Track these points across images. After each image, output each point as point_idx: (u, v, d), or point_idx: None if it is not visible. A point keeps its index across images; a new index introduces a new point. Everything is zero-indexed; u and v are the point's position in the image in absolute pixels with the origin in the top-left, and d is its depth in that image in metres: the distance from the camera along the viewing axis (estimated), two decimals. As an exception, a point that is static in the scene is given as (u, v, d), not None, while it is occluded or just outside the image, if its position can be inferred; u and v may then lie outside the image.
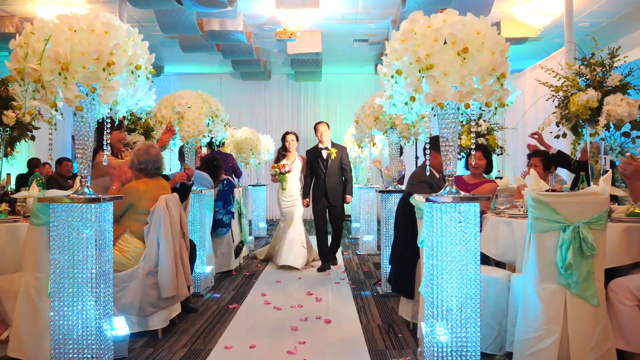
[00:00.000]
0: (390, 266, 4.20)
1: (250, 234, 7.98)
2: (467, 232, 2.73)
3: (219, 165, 5.76)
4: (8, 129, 3.78)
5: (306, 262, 6.29)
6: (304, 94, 12.56)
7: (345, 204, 6.36)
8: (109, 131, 2.80)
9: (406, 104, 2.64)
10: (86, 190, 2.83)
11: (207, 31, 7.94)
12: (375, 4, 7.49)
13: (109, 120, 2.83)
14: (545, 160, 4.54)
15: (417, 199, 3.00)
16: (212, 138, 4.95)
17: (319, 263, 6.30)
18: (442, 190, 2.78)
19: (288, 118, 12.53)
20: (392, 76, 2.64)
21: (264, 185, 8.97)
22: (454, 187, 2.77)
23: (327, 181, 6.18)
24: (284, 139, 6.52)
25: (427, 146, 2.88)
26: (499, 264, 3.81)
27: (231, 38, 8.18)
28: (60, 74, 2.58)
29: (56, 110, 2.69)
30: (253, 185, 8.71)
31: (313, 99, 12.57)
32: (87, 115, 2.76)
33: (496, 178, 6.73)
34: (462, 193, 2.77)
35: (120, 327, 3.29)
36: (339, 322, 4.00)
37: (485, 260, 3.66)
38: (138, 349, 3.47)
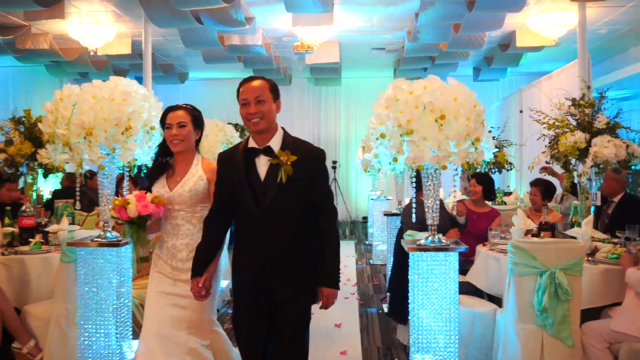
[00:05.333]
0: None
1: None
2: (446, 276, 3.04)
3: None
4: (42, 166, 4.23)
5: None
6: (324, 98, 12.83)
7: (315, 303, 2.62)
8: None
9: (390, 163, 2.94)
10: (108, 234, 3.25)
11: (227, 45, 8.29)
12: (390, 18, 7.71)
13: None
14: (544, 190, 4.69)
15: (405, 242, 3.30)
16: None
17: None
18: (425, 239, 3.09)
19: (309, 122, 12.83)
20: (377, 138, 2.94)
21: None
22: (436, 236, 3.08)
23: (264, 226, 2.44)
24: (163, 119, 2.85)
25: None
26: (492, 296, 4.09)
27: (251, 51, 8.53)
28: (85, 137, 2.97)
29: (82, 168, 3.09)
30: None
31: (333, 102, 12.83)
32: (107, 170, 3.16)
33: (505, 194, 6.97)
34: (444, 241, 3.08)
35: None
36: (341, 342, 4.35)
37: (478, 290, 3.96)
38: None
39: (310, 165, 2.45)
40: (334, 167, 12.39)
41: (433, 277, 3.05)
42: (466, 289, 3.85)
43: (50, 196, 7.80)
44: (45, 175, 4.47)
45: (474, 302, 3.75)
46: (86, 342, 3.23)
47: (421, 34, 7.61)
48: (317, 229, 2.48)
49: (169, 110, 2.84)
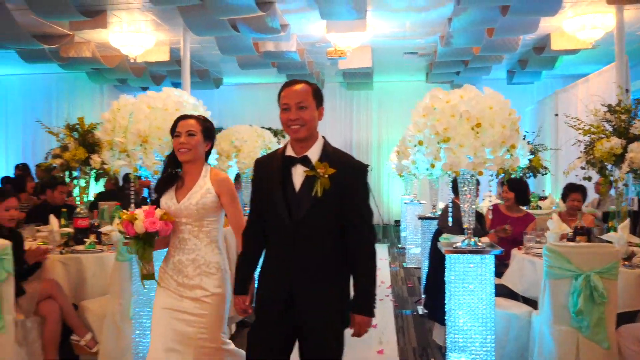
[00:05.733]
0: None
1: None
2: (482, 278, 3.19)
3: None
4: (94, 170, 4.52)
5: None
6: (356, 102, 12.98)
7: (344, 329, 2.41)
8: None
9: (427, 169, 3.11)
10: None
11: (262, 52, 8.55)
12: (422, 23, 7.84)
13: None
14: (585, 195, 4.72)
15: (441, 245, 3.46)
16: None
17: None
18: (461, 242, 3.24)
19: (341, 126, 13.00)
20: (415, 145, 3.11)
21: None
22: (472, 239, 3.23)
23: (295, 242, 2.32)
24: (174, 127, 2.78)
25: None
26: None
27: (285, 57, 8.77)
28: (141, 145, 3.22)
29: (137, 172, 3.34)
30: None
31: (365, 106, 12.97)
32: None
33: (540, 198, 7.02)
34: (480, 244, 3.22)
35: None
36: (378, 342, 4.52)
37: (513, 293, 4.09)
38: None
39: (349, 180, 2.28)
40: (366, 171, 12.56)
41: (469, 279, 3.20)
42: (501, 291, 3.97)
43: (93, 198, 8.16)
44: (97, 179, 4.77)
45: (509, 304, 3.87)
46: (139, 337, 3.48)
47: (454, 38, 7.72)
48: (351, 251, 2.29)
49: (180, 118, 2.76)
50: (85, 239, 4.20)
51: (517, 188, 4.77)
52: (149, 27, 8.08)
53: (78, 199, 4.55)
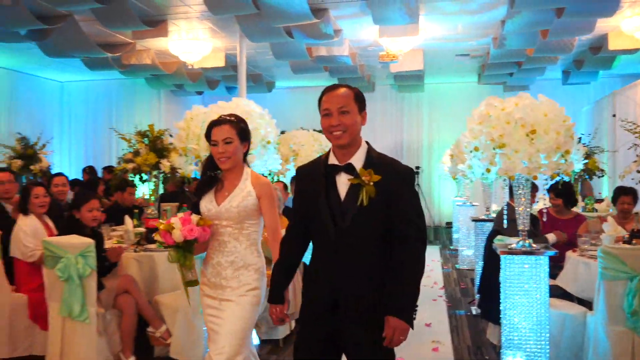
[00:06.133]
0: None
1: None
2: (536, 279, 3.34)
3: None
4: (163, 173, 4.90)
5: None
6: (407, 104, 13.10)
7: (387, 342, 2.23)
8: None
9: (483, 173, 3.29)
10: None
11: (315, 56, 8.84)
12: (475, 26, 7.93)
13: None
14: (636, 198, 4.78)
15: (496, 246, 3.62)
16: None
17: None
18: (516, 244, 3.40)
19: (391, 128, 13.15)
20: (471, 151, 3.29)
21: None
22: (527, 241, 3.38)
23: (340, 252, 2.27)
24: (208, 134, 2.81)
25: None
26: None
27: (337, 61, 9.04)
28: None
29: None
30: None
31: (416, 108, 13.07)
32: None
33: (597, 201, 7.01)
34: (534, 246, 3.38)
35: (254, 336, 4.25)
36: (432, 340, 4.69)
37: (568, 294, 4.20)
38: (265, 355, 4.42)
39: (395, 186, 2.21)
40: (416, 173, 12.68)
41: (524, 279, 3.36)
42: (556, 292, 4.09)
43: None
44: (164, 182, 5.16)
45: (564, 304, 3.99)
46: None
47: (507, 40, 7.79)
48: (396, 257, 2.19)
49: (213, 124, 2.74)
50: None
51: (562, 193, 4.86)
52: (206, 34, 8.50)
53: (148, 200, 4.92)
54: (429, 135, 13.03)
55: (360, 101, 2.29)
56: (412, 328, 2.17)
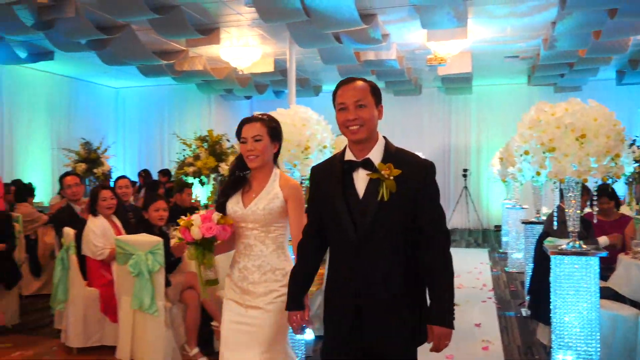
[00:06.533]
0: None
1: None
2: (587, 279, 3.46)
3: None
4: (222, 176, 5.22)
5: None
6: (454, 106, 13.16)
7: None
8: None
9: (533, 176, 3.44)
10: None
11: (363, 61, 9.06)
12: (524, 28, 7.99)
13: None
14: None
15: (547, 247, 3.75)
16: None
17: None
18: (566, 245, 3.54)
19: (439, 131, 13.24)
20: (521, 155, 3.45)
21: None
22: (577, 242, 3.51)
23: (361, 253, 2.20)
24: (239, 132, 2.77)
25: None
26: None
27: (385, 65, 9.24)
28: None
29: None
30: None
31: (464, 110, 13.12)
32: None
33: (650, 203, 6.97)
34: (584, 247, 3.50)
35: (308, 332, 4.50)
36: (482, 339, 4.84)
37: (619, 296, 4.28)
38: (319, 350, 4.65)
39: (416, 180, 2.14)
40: (464, 176, 12.72)
41: (574, 279, 3.48)
42: (607, 294, 4.18)
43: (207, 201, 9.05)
44: (222, 185, 5.49)
45: (615, 305, 4.08)
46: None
47: (558, 42, 7.81)
48: (424, 259, 2.17)
49: (244, 122, 2.71)
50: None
51: (614, 195, 4.96)
52: (256, 40, 8.85)
53: (207, 202, 5.24)
54: (477, 138, 13.05)
55: (376, 94, 2.24)
56: (454, 328, 2.16)
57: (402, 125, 13.24)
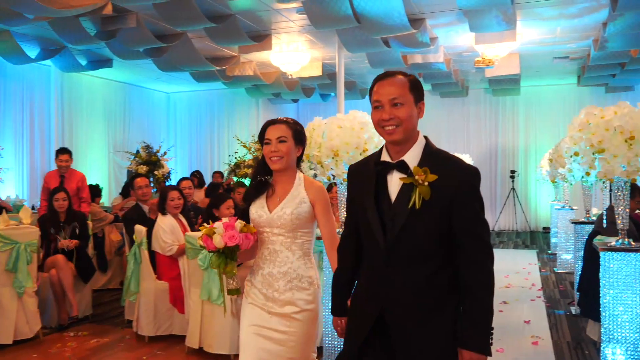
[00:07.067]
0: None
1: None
2: (636, 275, 3.66)
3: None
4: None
5: None
6: (501, 107, 13.24)
7: None
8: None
9: (582, 177, 3.67)
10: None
11: (410, 64, 9.32)
12: (574, 29, 8.10)
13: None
14: None
15: (596, 244, 3.96)
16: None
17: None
18: (615, 242, 3.74)
19: (486, 132, 13.35)
20: (571, 156, 3.68)
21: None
22: (626, 239, 3.72)
23: (390, 262, 2.04)
24: (262, 133, 2.70)
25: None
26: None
27: (432, 68, 9.48)
28: (332, 157, 4.13)
29: (329, 179, 4.27)
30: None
31: (511, 111, 13.19)
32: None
33: None
34: (634, 244, 3.70)
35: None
36: (532, 335, 5.04)
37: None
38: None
39: (454, 188, 1.95)
40: (512, 177, 12.80)
41: (622, 276, 3.69)
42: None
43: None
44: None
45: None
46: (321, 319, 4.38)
47: (609, 42, 7.89)
48: (461, 275, 1.98)
49: (268, 124, 2.65)
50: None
51: None
52: (305, 46, 9.23)
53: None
54: (525, 139, 13.10)
55: (416, 90, 2.05)
56: (490, 355, 1.94)
57: (448, 127, 13.40)
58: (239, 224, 2.53)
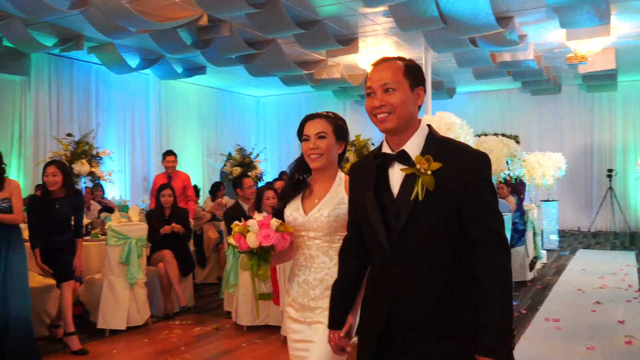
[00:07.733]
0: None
1: (542, 247, 9.14)
2: None
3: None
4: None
5: None
6: (597, 104, 12.81)
7: None
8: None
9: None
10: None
11: (499, 62, 9.35)
12: (676, 20, 7.84)
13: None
14: None
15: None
16: (510, 174, 6.39)
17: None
18: None
19: (580, 130, 12.96)
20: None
21: (556, 200, 10.07)
22: None
23: (395, 262, 1.89)
24: (301, 129, 2.51)
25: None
26: None
27: (522, 65, 9.44)
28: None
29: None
30: (544, 201, 9.94)
31: (608, 108, 12.72)
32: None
33: None
34: None
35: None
36: (625, 335, 5.02)
37: None
38: None
39: (462, 176, 1.80)
40: (609, 176, 12.39)
41: None
42: None
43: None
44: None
45: None
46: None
47: None
48: (475, 274, 1.81)
49: (307, 119, 2.47)
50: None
51: None
52: (391, 47, 9.50)
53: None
54: (624, 136, 12.64)
55: (412, 74, 1.91)
56: (511, 359, 1.78)
57: (540, 126, 13.17)
58: (275, 222, 2.36)
